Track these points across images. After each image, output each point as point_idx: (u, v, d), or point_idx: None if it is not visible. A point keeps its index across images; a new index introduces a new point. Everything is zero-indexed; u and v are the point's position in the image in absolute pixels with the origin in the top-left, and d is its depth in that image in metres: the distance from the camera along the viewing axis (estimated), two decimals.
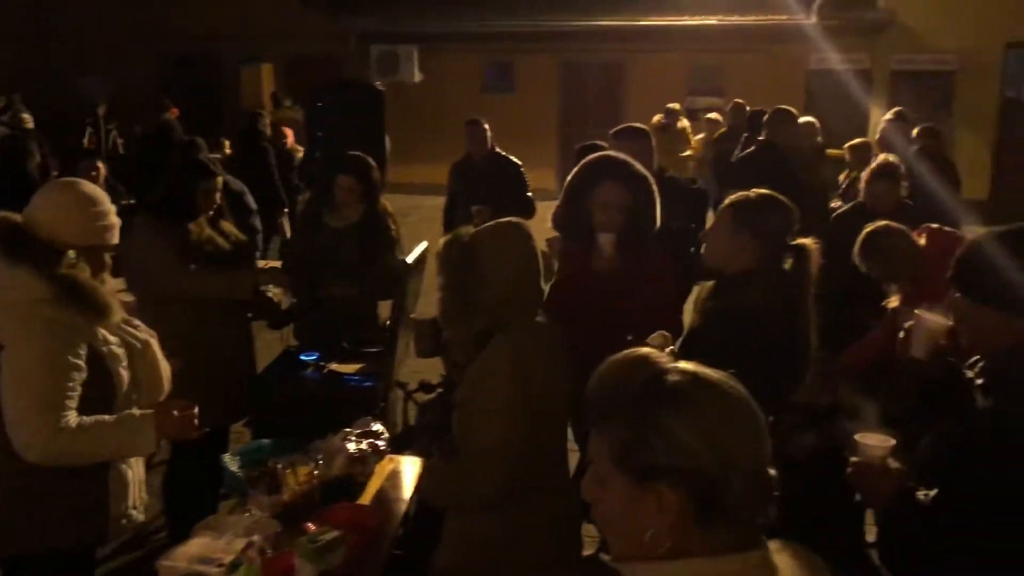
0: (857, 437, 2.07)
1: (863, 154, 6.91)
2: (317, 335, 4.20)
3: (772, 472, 1.19)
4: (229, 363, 3.75)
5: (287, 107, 12.57)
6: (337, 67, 14.87)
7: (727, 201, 2.83)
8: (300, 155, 9.53)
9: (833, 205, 6.55)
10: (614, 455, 1.18)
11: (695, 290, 3.23)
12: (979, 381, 2.03)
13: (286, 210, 8.53)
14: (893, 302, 3.69)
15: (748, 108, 10.32)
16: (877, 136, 6.15)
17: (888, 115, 5.89)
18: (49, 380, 2.36)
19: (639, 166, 3.26)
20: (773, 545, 1.21)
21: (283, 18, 15.00)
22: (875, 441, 2.05)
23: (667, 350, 2.91)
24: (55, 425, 2.33)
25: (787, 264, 2.75)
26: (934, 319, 2.36)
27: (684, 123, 11.56)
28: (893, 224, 3.77)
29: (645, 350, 1.28)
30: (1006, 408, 1.92)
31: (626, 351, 1.28)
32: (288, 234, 8.40)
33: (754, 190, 2.85)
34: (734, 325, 2.63)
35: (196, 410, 2.51)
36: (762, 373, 2.63)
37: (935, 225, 3.88)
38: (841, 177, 7.58)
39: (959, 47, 13.23)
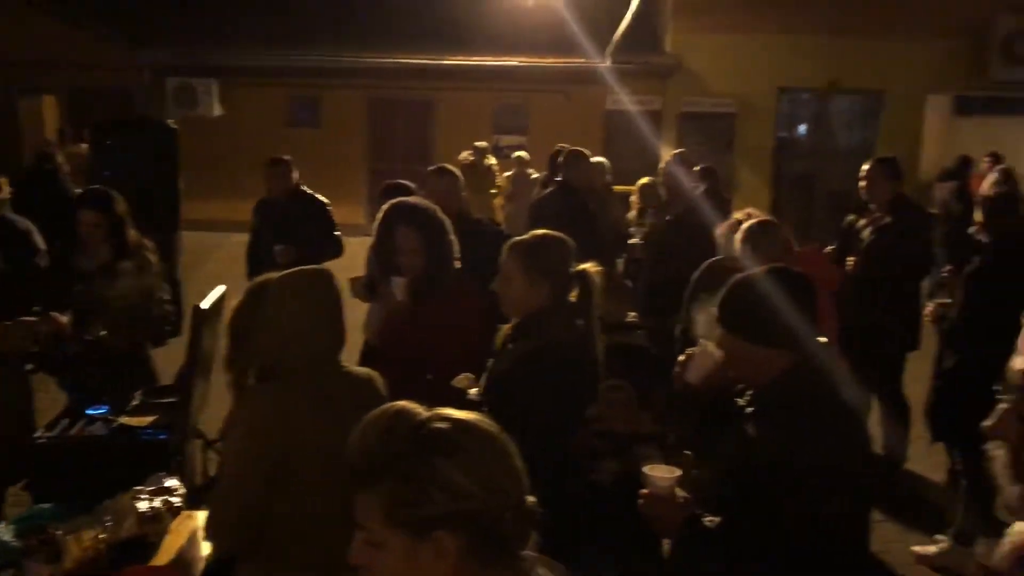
0: (645, 469, 2.17)
1: (651, 192, 7.36)
2: (91, 385, 3.94)
3: (532, 500, 1.25)
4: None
5: (82, 144, 11.81)
6: (129, 101, 14.13)
7: (507, 248, 2.91)
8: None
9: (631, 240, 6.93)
10: (387, 514, 1.18)
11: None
12: (749, 410, 2.19)
13: None
14: None
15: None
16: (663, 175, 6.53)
17: (670, 156, 6.31)
18: None
19: (434, 211, 3.30)
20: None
21: (69, 46, 14.08)
22: (662, 472, 2.15)
23: (472, 392, 2.95)
24: None
25: (573, 294, 2.88)
26: (712, 348, 2.52)
27: (491, 160, 11.83)
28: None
29: (398, 405, 1.30)
30: (770, 438, 2.07)
31: (379, 408, 1.30)
32: None
33: (531, 232, 2.96)
34: (536, 365, 2.71)
35: None
36: (566, 406, 2.75)
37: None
38: (631, 214, 8.02)
39: (738, 91, 14.37)
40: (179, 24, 14.68)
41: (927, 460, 5.24)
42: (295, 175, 6.05)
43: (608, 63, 14.07)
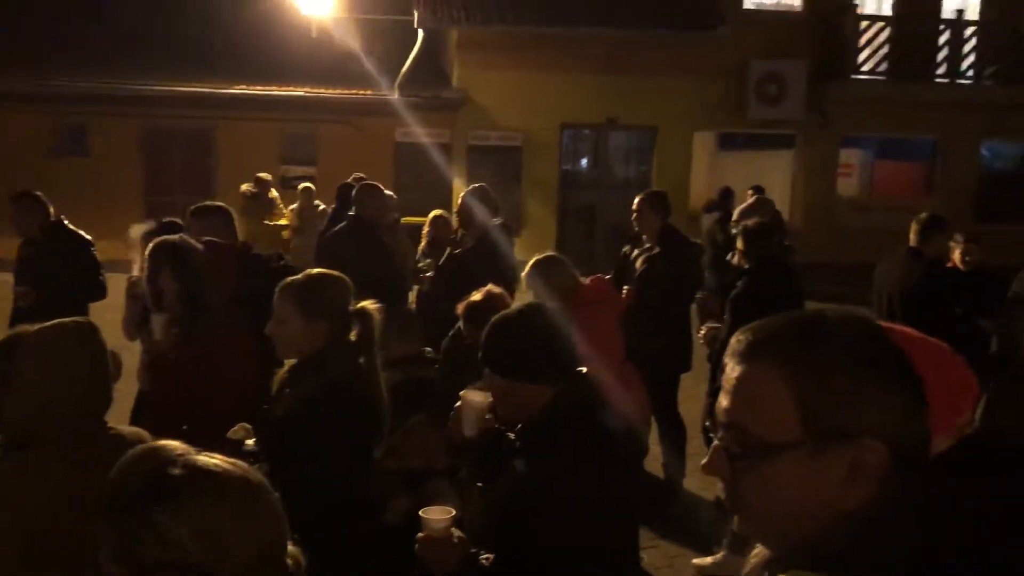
0: (421, 512, 2.16)
1: (443, 224, 7.41)
2: None
3: (293, 551, 1.24)
4: None
5: None
6: None
7: (280, 288, 2.81)
8: None
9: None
10: (111, 554, 1.17)
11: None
12: (517, 446, 2.23)
13: None
14: None
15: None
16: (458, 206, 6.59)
17: (468, 189, 6.35)
18: None
19: (193, 251, 3.14)
20: None
21: None
22: (437, 514, 2.15)
23: (249, 443, 2.82)
24: None
25: (353, 333, 2.82)
26: (476, 397, 2.52)
27: (274, 193, 11.52)
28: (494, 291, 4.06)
29: (155, 445, 1.28)
30: (533, 472, 2.12)
31: (140, 446, 1.29)
32: None
33: (305, 272, 2.88)
34: (315, 408, 2.62)
35: None
36: (349, 448, 2.68)
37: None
38: (421, 246, 8.04)
39: (523, 126, 14.88)
40: None
41: (703, 476, 5.57)
42: (50, 210, 5.54)
43: (396, 95, 14.16)
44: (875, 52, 15.06)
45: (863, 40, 15.02)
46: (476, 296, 3.92)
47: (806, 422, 1.04)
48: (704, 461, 1.13)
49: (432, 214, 7.48)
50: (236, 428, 2.61)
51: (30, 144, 13.95)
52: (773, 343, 1.09)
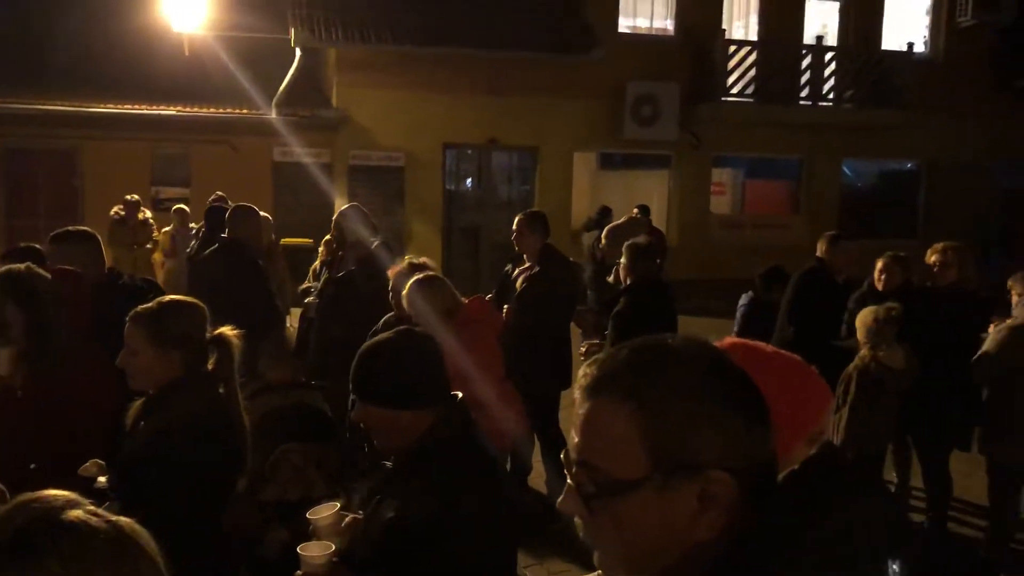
0: (299, 549, 2.09)
1: (331, 246, 7.29)
2: None
3: None
4: None
5: None
6: None
7: (130, 318, 2.67)
8: None
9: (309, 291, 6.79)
10: None
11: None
12: (394, 475, 2.21)
13: None
14: None
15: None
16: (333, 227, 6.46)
17: (343, 210, 6.23)
18: None
19: (38, 280, 2.96)
20: None
21: None
22: (315, 550, 2.08)
23: (101, 480, 2.67)
24: None
25: (211, 362, 2.71)
26: (314, 551, 2.15)
27: (147, 214, 11.09)
28: None
29: (33, 496, 1.17)
30: (419, 499, 2.07)
31: (16, 498, 1.17)
32: None
33: (156, 299, 2.75)
34: (170, 441, 2.49)
35: None
36: (211, 481, 2.57)
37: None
38: (315, 265, 7.91)
39: (405, 145, 14.83)
40: None
41: None
42: None
43: (274, 114, 13.88)
44: (743, 75, 15.70)
45: (731, 63, 15.65)
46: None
47: (653, 457, 1.05)
48: (559, 500, 1.12)
49: (326, 238, 7.35)
50: (88, 464, 2.47)
51: None
52: (617, 377, 1.08)
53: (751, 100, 15.88)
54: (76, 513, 1.14)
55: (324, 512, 2.16)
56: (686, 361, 1.09)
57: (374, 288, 5.07)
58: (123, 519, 1.18)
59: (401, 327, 2.33)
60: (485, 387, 4.00)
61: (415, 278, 4.14)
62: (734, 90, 15.77)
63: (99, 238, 4.09)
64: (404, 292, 4.12)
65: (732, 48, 15.75)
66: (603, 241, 7.33)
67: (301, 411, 3.96)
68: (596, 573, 2.63)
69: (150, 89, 13.64)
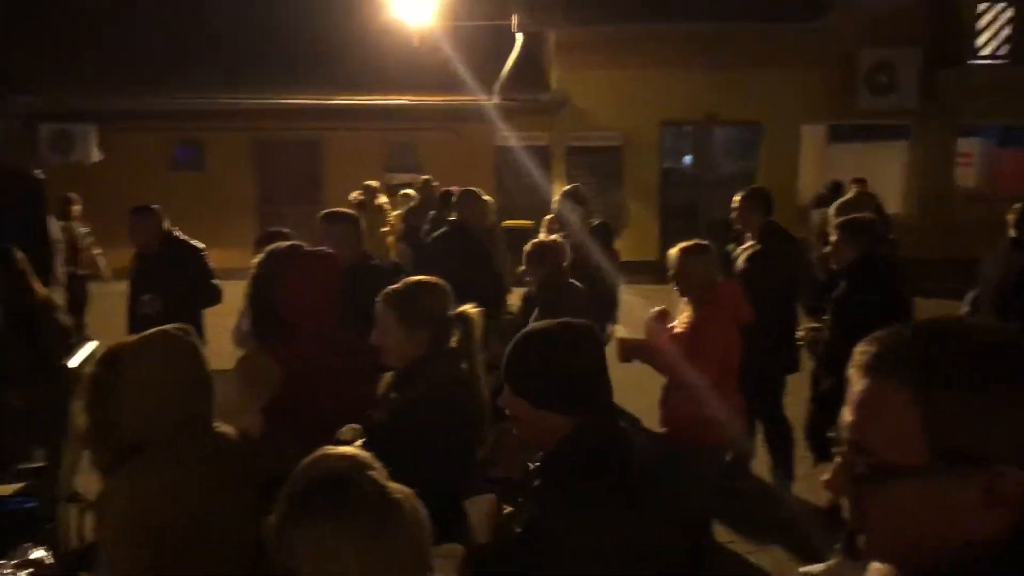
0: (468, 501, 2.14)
1: (552, 227, 7.46)
2: None
3: None
4: None
5: None
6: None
7: (380, 298, 2.85)
8: None
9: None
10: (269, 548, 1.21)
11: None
12: (535, 479, 2.07)
13: None
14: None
15: (436, 184, 10.84)
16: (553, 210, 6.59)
17: (562, 192, 6.34)
18: None
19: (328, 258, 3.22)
20: None
21: None
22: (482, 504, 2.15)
23: (356, 443, 2.88)
24: None
25: (455, 339, 2.84)
26: (473, 507, 2.26)
27: (382, 199, 11.77)
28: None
29: (333, 453, 1.29)
30: (543, 510, 1.95)
31: (329, 450, 1.32)
32: None
33: (403, 280, 2.92)
34: (416, 414, 2.65)
35: None
36: (451, 454, 2.71)
37: None
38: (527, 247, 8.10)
39: (623, 125, 14.78)
40: (53, 67, 14.18)
41: (812, 480, 5.41)
42: (165, 222, 5.82)
43: (495, 100, 14.28)
44: (995, 35, 14.30)
45: (982, 23, 14.29)
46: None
47: (934, 445, 0.99)
48: (825, 477, 1.08)
49: (547, 218, 7.55)
50: (346, 428, 2.68)
51: (151, 160, 14.70)
52: (900, 358, 1.02)
53: (1004, 62, 14.42)
54: (361, 477, 1.23)
55: (481, 502, 2.17)
56: (980, 347, 1.01)
57: (583, 277, 5.16)
58: (401, 489, 1.26)
59: (562, 320, 2.11)
60: (703, 370, 3.95)
61: (683, 244, 4.19)
62: (984, 51, 14.39)
63: (356, 220, 4.38)
64: (672, 252, 4.19)
65: (983, 5, 14.36)
66: (832, 218, 6.95)
67: None
68: (828, 563, 2.46)
69: (383, 81, 14.44)
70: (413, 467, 2.51)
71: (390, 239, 11.33)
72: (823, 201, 11.63)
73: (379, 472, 1.28)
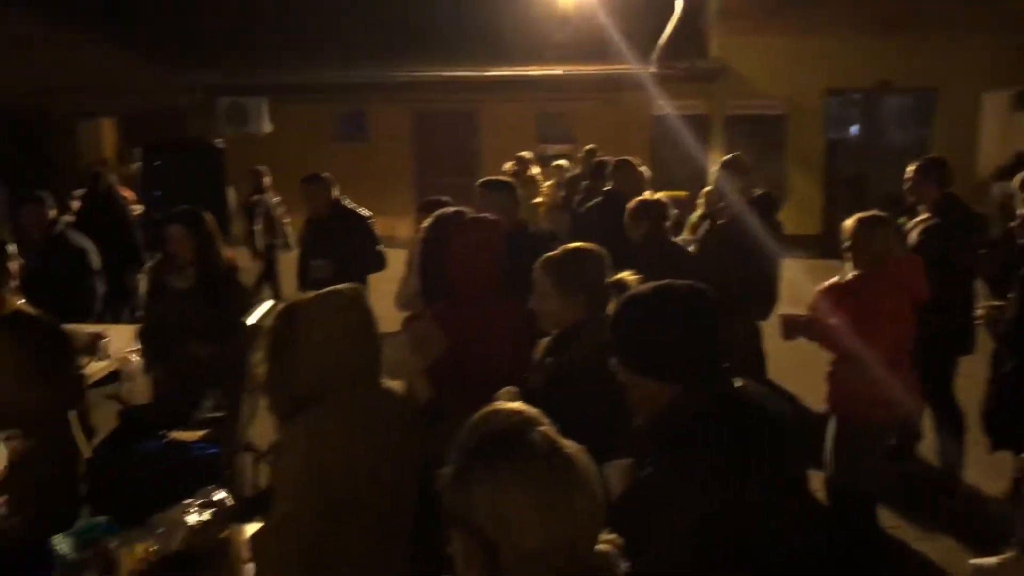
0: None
1: (711, 199, 7.30)
2: (164, 399, 4.04)
3: (601, 549, 1.24)
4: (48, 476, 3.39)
5: (135, 165, 12.04)
6: (183, 121, 14.49)
7: (538, 264, 2.88)
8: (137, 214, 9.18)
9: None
10: (440, 495, 1.25)
11: None
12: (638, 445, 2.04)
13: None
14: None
15: (600, 153, 10.77)
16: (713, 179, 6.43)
17: (721, 162, 6.15)
18: None
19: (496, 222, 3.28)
20: None
21: (126, 71, 14.50)
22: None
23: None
24: None
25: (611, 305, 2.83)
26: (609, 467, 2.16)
27: (535, 170, 11.83)
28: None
29: (507, 408, 1.32)
30: (654, 474, 1.90)
31: (509, 406, 1.36)
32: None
33: (562, 247, 2.93)
34: (570, 379, 2.68)
35: (4, 499, 2.38)
36: (604, 421, 2.72)
37: None
38: (696, 215, 7.96)
39: (785, 93, 14.20)
40: (230, 45, 15.02)
41: (985, 467, 5.10)
42: (334, 190, 6.09)
43: (653, 69, 14.02)
44: None
45: None
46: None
47: None
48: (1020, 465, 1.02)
49: (705, 190, 7.43)
50: (503, 391, 2.73)
51: (316, 132, 15.36)
52: None
53: None
54: (533, 431, 1.26)
55: (618, 466, 2.14)
56: None
57: (738, 247, 5.03)
58: (574, 446, 1.28)
59: (665, 282, 2.03)
60: (873, 347, 3.79)
61: (861, 215, 4.10)
62: None
63: (514, 188, 4.45)
64: (848, 223, 4.09)
65: None
66: (1019, 191, 6.45)
67: None
68: (1003, 557, 2.28)
69: (536, 52, 14.47)
70: (564, 431, 2.55)
71: (542, 209, 11.39)
72: (1005, 173, 10.80)
73: (549, 428, 1.30)
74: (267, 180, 10.22)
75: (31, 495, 2.47)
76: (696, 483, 1.80)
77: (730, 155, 6.36)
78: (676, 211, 6.07)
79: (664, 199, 5.28)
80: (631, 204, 5.15)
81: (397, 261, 6.00)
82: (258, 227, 9.83)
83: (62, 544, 2.95)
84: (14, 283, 3.35)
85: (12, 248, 3.41)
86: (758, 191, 6.11)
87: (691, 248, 6.73)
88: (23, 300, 3.42)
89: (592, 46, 14.25)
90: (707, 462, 1.82)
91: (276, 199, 10.21)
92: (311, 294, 2.46)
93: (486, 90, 14.80)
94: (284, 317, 2.40)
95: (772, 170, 13.57)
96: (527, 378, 2.92)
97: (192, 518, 2.94)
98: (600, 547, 1.27)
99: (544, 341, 2.98)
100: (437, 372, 2.92)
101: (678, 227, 8.51)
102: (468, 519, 1.21)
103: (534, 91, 14.77)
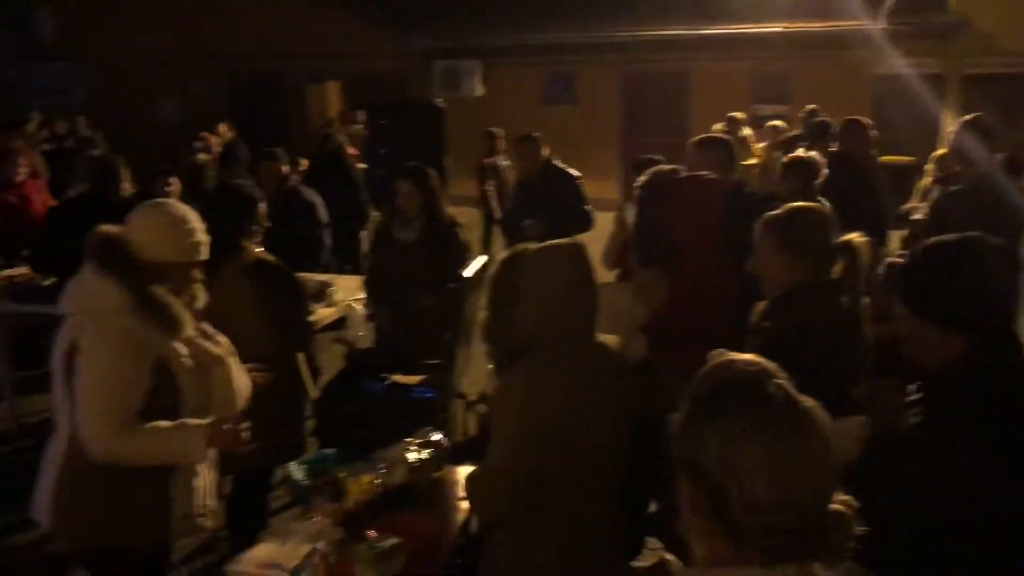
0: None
1: (944, 164, 6.78)
2: (386, 345, 4.29)
3: (835, 509, 1.20)
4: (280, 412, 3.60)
5: (359, 126, 12.71)
6: (399, 83, 15.12)
7: (761, 223, 2.76)
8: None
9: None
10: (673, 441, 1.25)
11: None
12: (916, 396, 1.97)
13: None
14: None
15: (822, 114, 10.23)
16: (949, 143, 5.93)
17: (960, 123, 5.63)
18: (115, 384, 2.50)
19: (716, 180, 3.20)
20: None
21: (350, 37, 15.31)
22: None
23: None
24: (115, 426, 2.48)
25: (837, 267, 2.69)
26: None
27: (747, 132, 11.43)
28: None
29: (741, 358, 1.31)
30: (934, 424, 1.85)
31: (721, 358, 1.34)
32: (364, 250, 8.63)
33: (785, 206, 2.78)
34: (789, 345, 2.57)
35: (246, 426, 2.60)
36: (825, 385, 2.60)
37: None
38: (926, 182, 7.46)
39: None
40: (445, 9, 15.47)
41: None
42: (544, 151, 6.16)
43: (882, 25, 13.08)
44: None
45: None
46: None
47: None
48: None
49: (937, 153, 6.94)
50: (716, 352, 2.68)
51: (525, 94, 15.56)
52: None
53: None
54: (770, 382, 1.24)
55: (850, 423, 2.08)
56: None
57: (982, 214, 4.60)
58: (808, 399, 1.25)
59: (966, 234, 1.99)
60: None
61: None
62: None
63: (731, 147, 4.33)
64: None
65: None
66: None
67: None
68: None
69: (752, 9, 13.86)
70: None
71: (755, 171, 11.00)
72: None
73: (786, 381, 1.26)
74: (501, 142, 10.42)
75: (266, 426, 2.70)
76: (974, 447, 1.75)
77: (972, 115, 5.84)
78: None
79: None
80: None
81: (604, 222, 6.02)
82: (490, 188, 10.08)
83: (296, 471, 3.23)
84: (259, 235, 3.64)
85: (263, 204, 3.68)
86: (1002, 155, 5.59)
87: (918, 216, 6.30)
88: (262, 249, 3.70)
89: (813, 2, 13.48)
90: (995, 418, 1.79)
91: (507, 162, 10.40)
92: (534, 246, 2.51)
93: (699, 48, 14.37)
94: (508, 267, 2.47)
95: (1017, 133, 12.36)
96: (741, 341, 2.85)
97: (412, 456, 3.12)
98: (833, 506, 1.22)
99: (762, 304, 2.88)
100: (650, 329, 2.91)
101: (904, 194, 8.00)
102: (697, 465, 1.20)
103: (751, 50, 14.19)
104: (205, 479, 2.79)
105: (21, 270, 5.83)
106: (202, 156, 9.25)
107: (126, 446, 2.50)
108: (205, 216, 2.83)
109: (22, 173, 6.64)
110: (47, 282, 5.31)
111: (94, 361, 2.50)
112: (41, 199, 6.77)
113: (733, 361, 1.29)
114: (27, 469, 2.84)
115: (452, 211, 4.78)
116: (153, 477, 2.62)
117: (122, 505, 2.61)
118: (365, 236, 8.67)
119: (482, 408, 4.24)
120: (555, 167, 6.19)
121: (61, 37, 17.22)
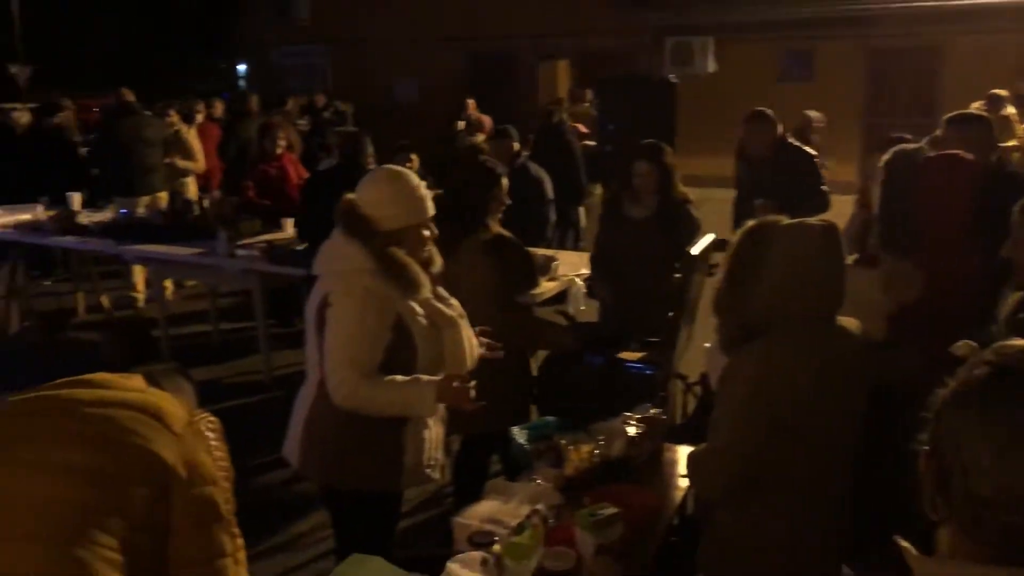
0: None
1: None
2: (609, 320, 4.33)
3: None
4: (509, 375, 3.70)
5: (586, 103, 12.81)
6: (629, 61, 15.05)
7: (1020, 207, 2.53)
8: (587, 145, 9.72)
9: None
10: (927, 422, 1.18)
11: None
12: None
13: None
14: None
15: None
16: None
17: None
18: (360, 337, 2.70)
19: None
20: None
21: (579, 15, 15.43)
22: None
23: None
24: (357, 376, 2.68)
25: None
26: None
27: (1010, 110, 10.41)
28: None
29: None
30: None
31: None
32: (583, 226, 8.75)
33: None
34: None
35: (473, 384, 2.72)
36: None
37: None
38: None
39: None
40: None
41: None
42: (779, 128, 5.89)
43: None
44: None
45: None
46: None
47: None
48: None
49: None
50: (960, 344, 2.47)
51: (759, 71, 14.99)
52: None
53: None
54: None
55: None
56: None
57: None
58: None
59: None
60: None
61: None
62: None
63: (989, 124, 3.94)
64: None
65: None
66: None
67: None
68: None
69: None
70: None
71: (1016, 154, 10.01)
72: None
73: None
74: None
75: (491, 389, 2.81)
76: None
77: None
78: None
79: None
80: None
81: (841, 205, 5.69)
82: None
83: (520, 435, 3.35)
84: (501, 211, 3.78)
85: (506, 182, 3.81)
86: None
87: None
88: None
89: None
90: None
91: None
92: (784, 220, 2.40)
93: (955, 21, 13.20)
94: (752, 237, 2.39)
95: None
96: (990, 332, 2.62)
97: (631, 430, 3.14)
98: None
99: (1017, 295, 2.64)
100: (895, 319, 2.74)
101: None
102: (935, 443, 1.12)
103: (1017, 20, 12.85)
104: (435, 432, 2.96)
105: (282, 234, 6.41)
106: (480, 136, 9.64)
107: (366, 395, 2.70)
108: (452, 191, 2.97)
109: (281, 147, 7.28)
110: (301, 247, 5.80)
111: (342, 315, 2.72)
112: (295, 171, 7.38)
113: (1012, 346, 1.16)
114: (280, 415, 3.14)
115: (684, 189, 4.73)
116: (388, 426, 2.82)
117: (360, 450, 2.83)
118: (582, 212, 8.80)
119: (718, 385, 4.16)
120: (790, 144, 5.90)
121: (316, 21, 18.65)
